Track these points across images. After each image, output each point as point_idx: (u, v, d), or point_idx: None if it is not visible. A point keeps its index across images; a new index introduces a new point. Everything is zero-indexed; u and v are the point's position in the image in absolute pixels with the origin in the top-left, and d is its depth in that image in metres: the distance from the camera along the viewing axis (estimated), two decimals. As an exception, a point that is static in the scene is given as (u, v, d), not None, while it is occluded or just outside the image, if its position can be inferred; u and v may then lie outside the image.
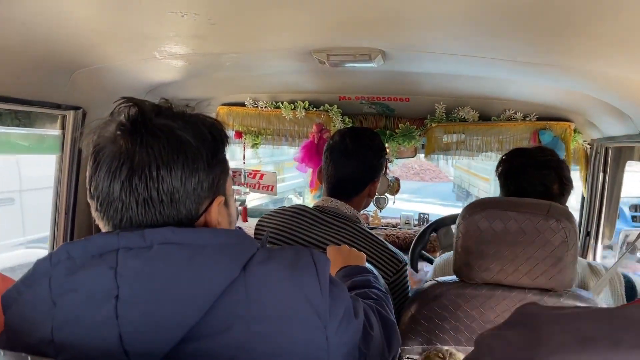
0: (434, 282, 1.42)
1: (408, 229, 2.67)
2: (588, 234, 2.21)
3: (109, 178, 0.69)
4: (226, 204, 0.82)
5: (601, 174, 2.11)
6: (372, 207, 2.70)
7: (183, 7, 1.02)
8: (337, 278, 0.96)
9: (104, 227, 0.73)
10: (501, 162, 1.56)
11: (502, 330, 0.56)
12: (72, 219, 1.73)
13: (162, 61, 1.55)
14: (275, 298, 0.70)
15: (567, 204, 1.47)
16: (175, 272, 0.65)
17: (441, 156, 2.36)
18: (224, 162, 0.81)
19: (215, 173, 0.76)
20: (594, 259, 2.18)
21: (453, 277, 1.39)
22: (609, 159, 2.08)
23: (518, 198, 1.33)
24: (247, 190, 2.72)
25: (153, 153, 0.69)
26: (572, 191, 1.49)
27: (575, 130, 2.11)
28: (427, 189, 14.94)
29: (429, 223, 2.27)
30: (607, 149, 2.09)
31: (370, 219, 2.78)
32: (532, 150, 1.55)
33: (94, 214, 0.74)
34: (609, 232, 2.20)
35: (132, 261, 0.64)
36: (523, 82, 1.76)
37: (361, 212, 1.65)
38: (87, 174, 0.72)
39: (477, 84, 1.89)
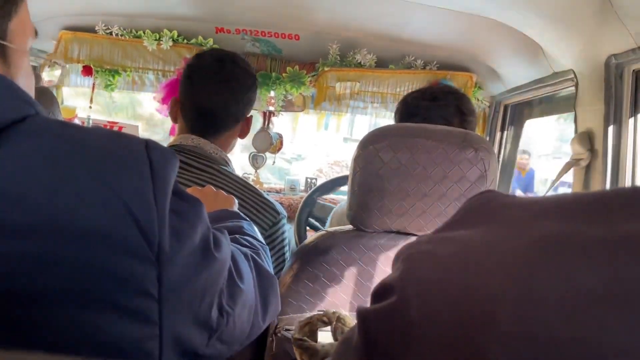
0: (322, 232, 1.10)
1: (293, 194, 2.34)
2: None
3: None
4: (4, 53, 0.51)
5: (498, 133, 1.99)
6: (251, 170, 2.34)
7: None
8: None
9: None
10: (398, 105, 1.36)
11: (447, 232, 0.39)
12: None
13: None
14: (53, 197, 0.41)
15: None
16: None
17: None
18: None
19: None
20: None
21: (348, 227, 1.10)
22: (507, 118, 1.96)
23: (429, 124, 1.07)
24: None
25: None
26: (475, 127, 1.30)
27: (476, 85, 1.94)
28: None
29: (344, 174, 1.98)
30: (506, 108, 1.96)
31: (251, 182, 2.40)
32: (427, 86, 1.41)
33: None
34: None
35: None
36: (423, 14, 1.52)
37: (241, 175, 1.30)
38: None
39: (374, 20, 1.62)
